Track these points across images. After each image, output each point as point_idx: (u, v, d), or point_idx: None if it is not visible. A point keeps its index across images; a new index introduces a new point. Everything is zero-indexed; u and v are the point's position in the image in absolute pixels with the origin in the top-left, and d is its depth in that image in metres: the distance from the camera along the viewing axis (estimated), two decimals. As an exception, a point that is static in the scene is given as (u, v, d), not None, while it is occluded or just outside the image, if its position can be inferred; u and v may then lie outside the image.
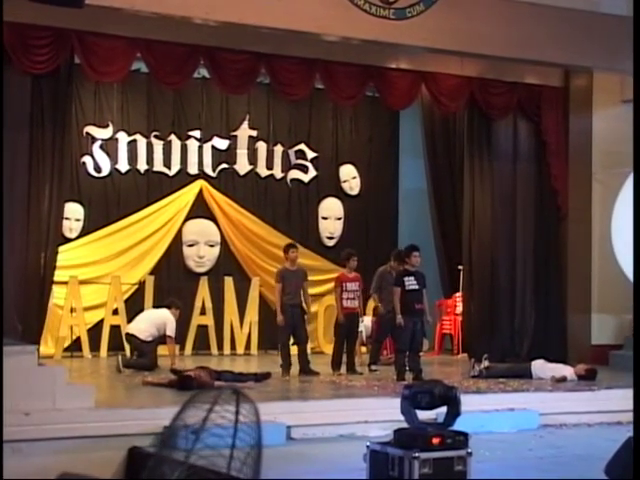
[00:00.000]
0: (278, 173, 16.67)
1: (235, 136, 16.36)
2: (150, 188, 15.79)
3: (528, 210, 15.98)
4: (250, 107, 16.35)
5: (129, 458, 8.92)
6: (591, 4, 13.78)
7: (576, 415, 11.83)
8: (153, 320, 13.60)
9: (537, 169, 15.99)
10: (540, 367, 13.54)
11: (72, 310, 14.77)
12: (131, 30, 12.81)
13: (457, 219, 16.40)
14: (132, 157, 15.65)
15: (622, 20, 13.90)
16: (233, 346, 15.75)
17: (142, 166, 15.74)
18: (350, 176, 17.26)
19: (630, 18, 13.93)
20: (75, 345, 14.79)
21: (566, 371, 13.43)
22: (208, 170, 16.12)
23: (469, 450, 7.39)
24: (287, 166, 16.74)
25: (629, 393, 12.57)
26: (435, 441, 7.24)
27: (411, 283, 12.70)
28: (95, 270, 15.28)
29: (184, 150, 16.01)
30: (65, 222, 14.42)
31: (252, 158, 16.47)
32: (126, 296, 15.23)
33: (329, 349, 14.60)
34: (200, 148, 16.10)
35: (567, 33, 13.58)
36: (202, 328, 15.55)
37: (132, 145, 15.67)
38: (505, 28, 13.14)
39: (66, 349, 14.66)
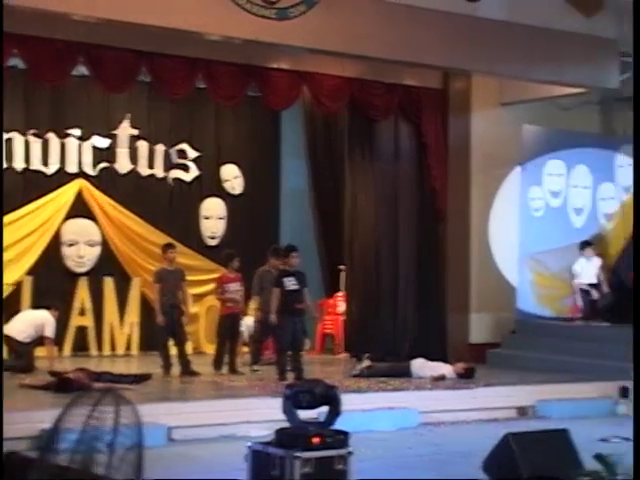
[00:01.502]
0: (159, 172, 16.54)
1: (116, 135, 16.16)
2: (27, 187, 15.48)
3: (409, 211, 16.15)
4: (131, 106, 16.18)
5: (6, 463, 8.72)
6: (470, 8, 13.98)
7: (455, 413, 12.01)
8: (31, 321, 13.36)
9: (418, 170, 16.16)
10: (420, 366, 13.72)
11: (-54, 311, 14.41)
12: (7, 26, 12.50)
13: (338, 219, 16.52)
14: (8, 155, 15.32)
15: (500, 25, 14.16)
16: (113, 347, 15.60)
17: (19, 164, 15.42)
18: (232, 176, 17.21)
19: (508, 23, 14.22)
20: (-51, 347, 14.42)
21: (445, 369, 13.63)
22: (88, 169, 15.89)
23: (350, 449, 7.42)
24: (168, 165, 16.62)
25: (506, 390, 12.89)
26: (316, 440, 7.26)
27: (291, 283, 12.73)
28: (-30, 271, 14.93)
29: (63, 149, 15.75)
30: (-62, 222, 14.06)
31: (133, 157, 16.30)
32: (2, 297, 14.93)
33: (211, 349, 14.58)
34: (80, 147, 15.86)
35: (446, 36, 13.76)
36: (81, 329, 15.35)
37: (8, 143, 15.34)
38: (385, 30, 13.25)
39: (-60, 351, 14.30)
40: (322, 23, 12.77)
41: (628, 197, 17.18)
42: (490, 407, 12.35)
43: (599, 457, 7.21)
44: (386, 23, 13.28)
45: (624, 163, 17.16)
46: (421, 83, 15.80)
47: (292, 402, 7.54)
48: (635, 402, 8.65)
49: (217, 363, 13.49)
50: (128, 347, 15.66)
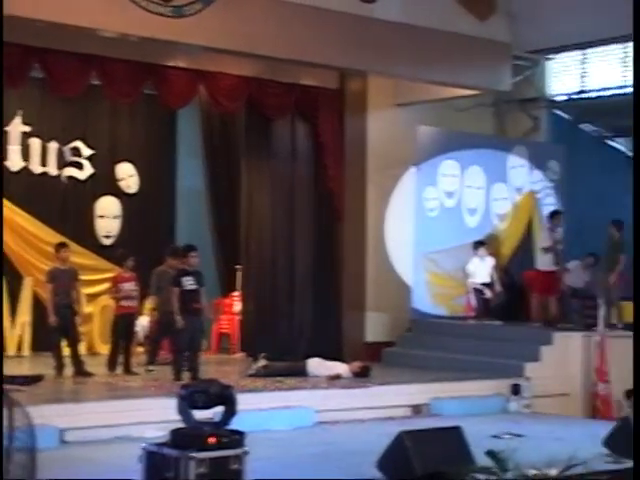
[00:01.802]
0: (53, 170, 16.27)
1: (7, 132, 15.85)
2: None
3: (306, 210, 16.19)
4: (23, 102, 15.87)
5: None
6: (366, 9, 14.08)
7: (350, 412, 12.07)
8: None
9: (314, 170, 16.21)
10: (316, 365, 13.76)
11: None
12: None
13: (235, 219, 16.48)
14: None
15: (396, 26, 14.28)
16: (4, 347, 15.30)
17: None
18: (127, 174, 17.04)
19: (404, 24, 14.36)
20: None
21: (341, 369, 13.69)
22: (-22, 166, 15.58)
23: (245, 449, 7.44)
24: (62, 163, 16.37)
25: (401, 389, 13.02)
26: (211, 441, 7.25)
27: (189, 283, 12.67)
28: None
29: (-48, 145, 15.42)
30: None
31: (25, 154, 16.01)
32: None
33: (105, 349, 14.42)
34: (-31, 144, 15.55)
35: (342, 36, 13.82)
36: (-29, 330, 15.04)
37: None
38: (281, 30, 13.25)
39: None
40: (218, 21, 12.72)
41: (520, 198, 17.48)
42: (385, 405, 12.45)
43: (491, 453, 7.36)
44: (283, 23, 13.29)
45: (516, 164, 17.45)
46: (318, 83, 15.85)
47: (187, 402, 7.52)
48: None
49: (111, 363, 13.35)
50: (19, 348, 15.36)
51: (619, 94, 17.69)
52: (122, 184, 16.98)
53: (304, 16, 13.47)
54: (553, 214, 16.26)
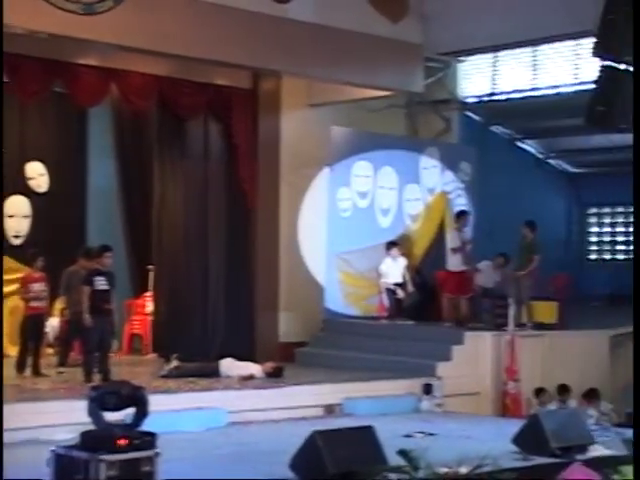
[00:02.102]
0: (-41, 169, 15.99)
1: None
2: None
3: (219, 210, 16.15)
4: None
5: None
6: (279, 10, 14.08)
7: (264, 412, 12.07)
8: None
9: (228, 170, 16.17)
10: (228, 366, 13.73)
11: None
12: None
13: (147, 219, 16.35)
14: None
15: (309, 27, 14.31)
16: None
17: None
18: (37, 173, 16.79)
19: (318, 25, 14.40)
20: None
21: (254, 369, 13.68)
22: None
23: (157, 450, 7.39)
24: (-31, 162, 16.09)
25: (314, 389, 13.04)
26: (121, 443, 7.19)
27: (101, 283, 12.56)
28: None
29: None
30: None
31: None
32: None
33: (14, 351, 14.18)
34: None
35: (255, 36, 13.80)
36: None
37: None
38: (193, 28, 13.19)
39: None
40: (130, 19, 12.60)
41: (432, 198, 17.63)
42: (298, 406, 12.46)
43: (402, 452, 7.41)
44: (196, 21, 13.23)
45: (428, 165, 17.59)
46: (231, 83, 15.82)
47: (98, 404, 7.45)
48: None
49: (20, 365, 13.17)
50: None
51: (529, 97, 17.98)
52: (32, 183, 16.74)
53: (217, 15, 13.41)
54: (459, 215, 16.43)
